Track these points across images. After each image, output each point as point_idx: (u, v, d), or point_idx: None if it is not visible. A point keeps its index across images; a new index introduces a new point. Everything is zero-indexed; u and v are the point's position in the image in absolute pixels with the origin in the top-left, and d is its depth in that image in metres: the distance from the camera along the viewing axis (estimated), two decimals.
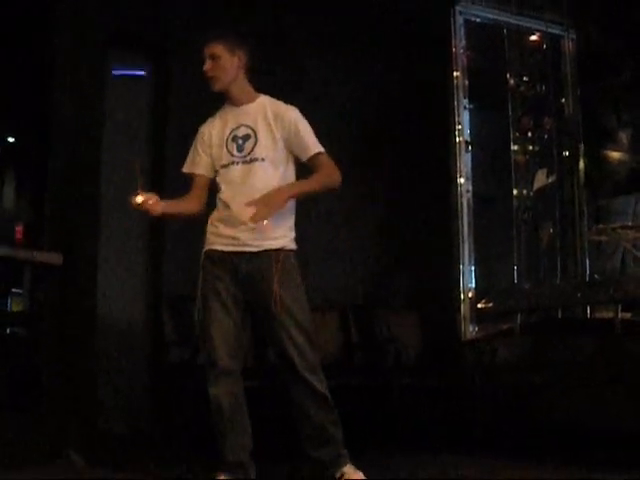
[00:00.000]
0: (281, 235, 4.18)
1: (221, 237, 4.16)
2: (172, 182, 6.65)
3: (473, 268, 7.29)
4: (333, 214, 7.32)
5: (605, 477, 4.51)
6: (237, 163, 4.17)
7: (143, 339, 6.59)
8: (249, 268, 4.12)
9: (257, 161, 4.16)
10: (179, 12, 6.75)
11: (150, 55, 6.90)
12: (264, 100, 4.32)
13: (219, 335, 4.08)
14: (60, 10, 5.78)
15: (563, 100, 7.96)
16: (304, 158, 4.28)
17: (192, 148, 4.34)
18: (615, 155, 8.01)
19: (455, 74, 7.44)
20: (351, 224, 7.51)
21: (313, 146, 4.28)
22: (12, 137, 6.49)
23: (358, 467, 4.10)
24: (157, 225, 6.64)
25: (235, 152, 4.19)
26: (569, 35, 7.97)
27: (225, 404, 4.05)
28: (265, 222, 4.05)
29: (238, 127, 4.23)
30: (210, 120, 4.37)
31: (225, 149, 4.21)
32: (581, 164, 7.88)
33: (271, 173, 4.18)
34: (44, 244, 5.70)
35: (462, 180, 7.34)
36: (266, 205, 4.03)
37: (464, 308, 7.21)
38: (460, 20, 7.52)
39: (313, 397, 4.11)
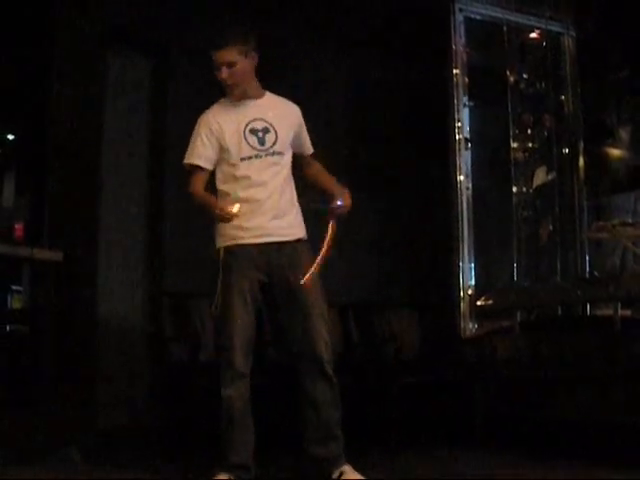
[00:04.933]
0: (300, 224, 4.27)
1: (247, 230, 4.11)
2: (171, 178, 6.68)
3: (473, 265, 7.30)
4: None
5: (605, 474, 4.51)
6: (261, 156, 4.16)
7: (143, 336, 6.59)
8: (278, 258, 4.14)
9: (279, 155, 4.20)
10: (177, 9, 6.74)
11: (149, 52, 6.89)
12: (271, 95, 4.35)
13: (239, 335, 4.05)
14: (59, 7, 5.78)
15: (563, 97, 7.97)
16: (306, 153, 4.41)
17: (196, 139, 4.21)
18: (615, 152, 8.00)
19: (455, 71, 7.45)
20: (350, 222, 7.48)
21: (310, 144, 4.43)
22: (11, 135, 6.47)
23: (357, 466, 4.11)
24: (156, 223, 6.65)
25: (257, 145, 4.16)
26: (569, 32, 7.97)
27: (237, 406, 4.04)
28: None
29: (254, 120, 4.20)
30: (214, 111, 4.27)
31: (244, 141, 4.16)
32: (581, 161, 7.89)
33: (288, 166, 4.27)
34: (44, 242, 5.70)
35: (462, 177, 7.35)
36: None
37: (464, 305, 7.22)
38: (460, 17, 7.53)
39: (330, 392, 4.13)
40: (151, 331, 6.50)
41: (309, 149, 4.43)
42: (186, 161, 4.21)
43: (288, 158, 4.27)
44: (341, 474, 4.06)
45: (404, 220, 7.71)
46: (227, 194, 4.17)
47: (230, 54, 4.15)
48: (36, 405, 5.33)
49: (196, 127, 4.24)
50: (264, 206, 4.13)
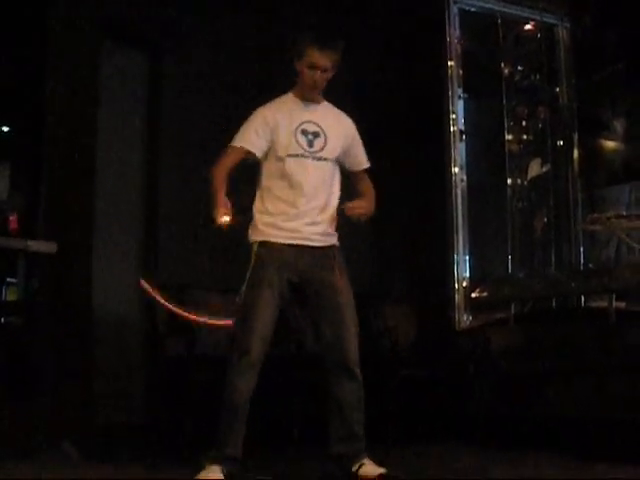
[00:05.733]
0: (334, 233, 4.31)
1: (282, 230, 4.16)
2: (167, 172, 6.68)
3: (467, 257, 7.30)
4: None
5: (600, 467, 4.52)
6: (307, 157, 4.20)
7: (138, 330, 6.58)
8: (309, 261, 4.19)
9: (326, 160, 4.25)
10: (172, 4, 6.72)
11: (144, 48, 6.88)
12: (328, 105, 4.41)
13: (262, 327, 4.08)
14: (55, 4, 5.77)
15: (557, 89, 7.95)
16: (355, 169, 4.47)
17: (249, 126, 4.22)
18: (609, 144, 8.00)
19: (449, 63, 7.44)
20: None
21: (366, 160, 4.52)
22: (6, 126, 6.47)
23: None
24: (152, 216, 6.64)
25: (305, 146, 4.20)
26: (563, 24, 7.96)
27: (245, 397, 4.07)
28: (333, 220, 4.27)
29: (307, 122, 4.25)
30: (273, 105, 4.31)
31: (294, 139, 4.20)
32: (575, 153, 7.88)
33: (334, 174, 4.31)
34: (38, 233, 5.70)
35: (456, 169, 7.35)
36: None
37: (459, 298, 7.22)
38: (454, 9, 7.51)
39: (356, 393, 4.21)
40: (146, 325, 6.48)
41: (361, 164, 4.49)
42: (234, 144, 4.22)
43: (334, 166, 4.31)
44: (360, 466, 4.12)
45: (399, 213, 7.70)
46: (269, 190, 4.23)
47: (329, 59, 4.19)
48: (33, 400, 5.32)
49: (252, 116, 4.26)
50: (303, 209, 4.18)
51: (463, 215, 7.32)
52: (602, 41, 7.62)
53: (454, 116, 7.41)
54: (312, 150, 4.21)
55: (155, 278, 6.53)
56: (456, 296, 7.22)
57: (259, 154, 4.20)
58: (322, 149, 4.23)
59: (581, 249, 7.71)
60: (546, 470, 4.68)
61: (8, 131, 6.48)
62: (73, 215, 5.86)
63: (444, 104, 7.44)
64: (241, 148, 4.19)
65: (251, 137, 4.20)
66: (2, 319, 6.37)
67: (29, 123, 5.99)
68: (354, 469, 4.12)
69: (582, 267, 7.59)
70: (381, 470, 4.12)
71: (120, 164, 6.63)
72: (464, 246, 7.29)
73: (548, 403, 5.81)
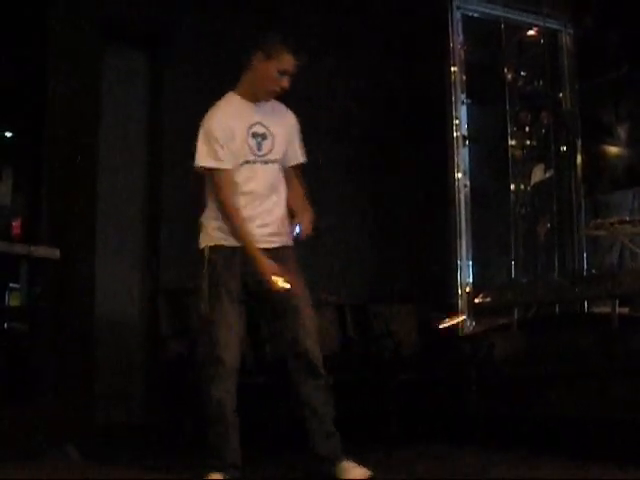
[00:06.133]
0: (286, 232, 4.21)
1: (230, 234, 4.08)
2: (169, 175, 6.67)
3: (470, 263, 7.29)
4: (330, 210, 7.31)
5: (604, 471, 4.51)
6: (257, 162, 4.11)
7: (140, 333, 6.58)
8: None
9: (274, 163, 4.17)
10: (173, 2, 6.73)
11: (145, 47, 6.88)
12: (273, 102, 4.25)
13: (230, 333, 4.03)
14: (55, 4, 5.78)
15: (561, 95, 7.96)
16: (291, 163, 4.32)
17: (211, 141, 4.04)
18: (613, 150, 8.00)
19: (452, 69, 7.44)
20: (348, 219, 7.50)
21: (302, 155, 4.35)
22: (9, 132, 6.47)
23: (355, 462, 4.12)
24: (154, 219, 6.64)
25: (255, 150, 4.11)
26: (567, 29, 7.96)
27: (229, 405, 4.02)
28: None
29: (256, 124, 4.14)
30: (221, 110, 4.15)
31: (246, 144, 4.10)
32: (579, 159, 7.88)
33: (280, 174, 4.22)
34: (41, 239, 5.70)
35: (460, 175, 7.34)
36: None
37: (461, 303, 7.21)
38: (457, 15, 7.52)
39: (322, 390, 4.14)
40: (148, 328, 6.49)
41: (297, 159, 4.33)
42: (206, 165, 4.07)
43: (280, 166, 4.22)
44: (342, 467, 4.07)
45: (402, 217, 7.70)
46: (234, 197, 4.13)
47: (296, 68, 4.12)
48: (34, 403, 5.33)
49: (207, 127, 4.11)
50: (252, 213, 4.10)
51: (466, 220, 7.32)
52: (605, 47, 7.63)
53: (457, 121, 7.41)
54: (261, 154, 4.11)
55: (157, 283, 6.54)
56: (459, 301, 7.21)
57: (232, 167, 4.08)
58: (270, 152, 4.13)
59: (584, 254, 7.71)
60: (546, 471, 4.66)
61: (11, 136, 6.48)
62: (76, 221, 5.86)
63: (447, 109, 7.44)
64: (226, 170, 4.05)
65: (221, 152, 4.05)
66: (5, 324, 6.37)
67: (31, 128, 6.00)
68: (337, 470, 4.08)
69: (585, 272, 7.59)
70: (364, 471, 4.08)
71: (122, 166, 6.63)
72: (467, 251, 7.28)
73: (549, 406, 5.79)
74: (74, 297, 5.80)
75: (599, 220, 7.40)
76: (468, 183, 7.39)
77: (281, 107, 4.31)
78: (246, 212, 4.08)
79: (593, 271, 7.54)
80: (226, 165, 4.05)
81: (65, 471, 4.62)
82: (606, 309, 6.12)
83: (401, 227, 7.69)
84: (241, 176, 4.09)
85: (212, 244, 4.12)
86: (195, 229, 6.61)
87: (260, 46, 4.09)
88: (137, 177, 6.77)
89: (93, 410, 5.69)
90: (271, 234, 4.15)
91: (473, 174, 7.44)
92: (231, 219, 4.06)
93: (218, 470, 3.99)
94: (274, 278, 3.97)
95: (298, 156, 4.33)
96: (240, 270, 4.09)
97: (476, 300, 7.20)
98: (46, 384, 5.43)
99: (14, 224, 6.14)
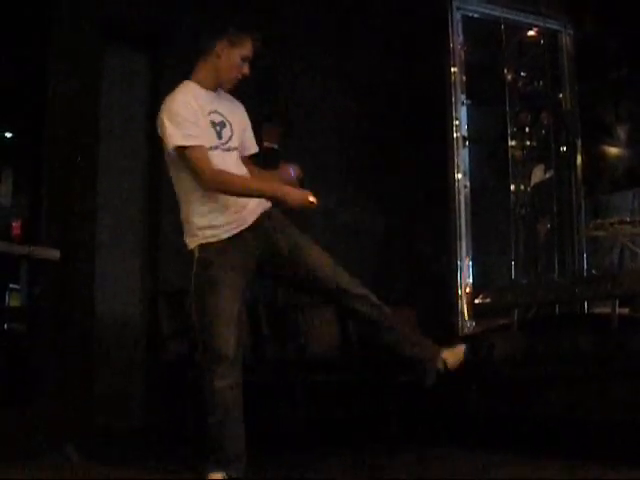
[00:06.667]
0: (260, 202, 4.11)
1: (218, 228, 4.04)
2: (169, 175, 6.67)
3: (470, 263, 7.30)
4: (329, 210, 7.32)
5: (603, 472, 4.51)
6: (220, 149, 4.05)
7: (140, 333, 6.59)
8: (255, 240, 4.07)
9: (234, 151, 4.13)
10: (173, 3, 6.74)
11: (145, 47, 6.88)
12: (221, 91, 4.20)
13: (230, 325, 3.98)
14: (55, 5, 5.78)
15: (561, 95, 7.96)
16: (249, 152, 4.31)
17: (180, 121, 3.93)
18: (613, 150, 8.01)
19: (452, 70, 7.45)
20: (347, 220, 7.51)
21: (254, 145, 4.34)
22: (9, 132, 6.48)
23: (355, 464, 4.12)
24: (154, 220, 6.64)
25: (215, 138, 4.05)
26: (567, 30, 7.97)
27: (230, 398, 3.97)
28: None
29: (213, 112, 4.08)
30: (182, 94, 4.06)
31: (209, 131, 4.03)
32: (579, 159, 7.88)
33: (240, 162, 4.18)
34: (41, 239, 5.70)
35: (460, 175, 7.35)
36: None
37: (461, 303, 7.22)
38: (457, 15, 7.52)
39: (378, 309, 4.21)
40: (148, 328, 6.49)
41: (250, 149, 4.32)
42: (182, 143, 3.93)
43: (238, 154, 4.19)
44: (443, 357, 4.16)
45: (402, 218, 7.71)
46: (193, 193, 4.04)
47: (252, 50, 4.09)
48: (34, 403, 5.33)
49: (172, 110, 3.99)
50: (226, 202, 4.03)
51: (466, 221, 7.32)
52: (605, 47, 7.63)
53: (457, 122, 7.41)
54: (222, 142, 4.06)
55: (157, 283, 6.55)
56: (459, 302, 7.21)
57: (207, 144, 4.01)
58: (230, 139, 4.09)
59: (584, 255, 7.71)
60: (546, 471, 4.68)
61: (11, 137, 6.48)
62: (75, 220, 5.87)
63: (447, 110, 7.44)
64: (203, 146, 3.96)
65: (194, 129, 3.96)
66: (5, 325, 6.37)
67: (31, 128, 6.00)
68: (441, 361, 4.15)
69: (585, 273, 7.58)
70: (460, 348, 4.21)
71: (122, 166, 6.63)
72: (467, 252, 7.29)
73: (549, 406, 5.79)
74: (74, 298, 5.80)
75: (599, 221, 7.41)
76: (468, 184, 7.39)
77: (231, 97, 4.25)
78: (220, 201, 4.02)
79: (593, 272, 7.54)
80: (203, 142, 3.97)
81: (65, 471, 4.62)
82: (606, 310, 6.12)
83: (401, 227, 7.69)
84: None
85: (201, 242, 4.05)
86: None
87: (224, 34, 4.08)
88: (137, 177, 6.77)
89: (93, 410, 5.69)
90: (249, 212, 4.08)
91: (473, 175, 7.44)
92: (230, 184, 4.01)
93: (219, 466, 3.95)
94: (308, 197, 3.94)
95: (253, 145, 4.32)
96: (240, 260, 4.05)
97: (476, 301, 7.20)
98: (46, 385, 5.43)
99: (14, 224, 6.13)
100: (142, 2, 6.62)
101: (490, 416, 5.96)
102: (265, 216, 4.13)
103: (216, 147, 4.03)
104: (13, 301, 6.48)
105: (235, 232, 4.05)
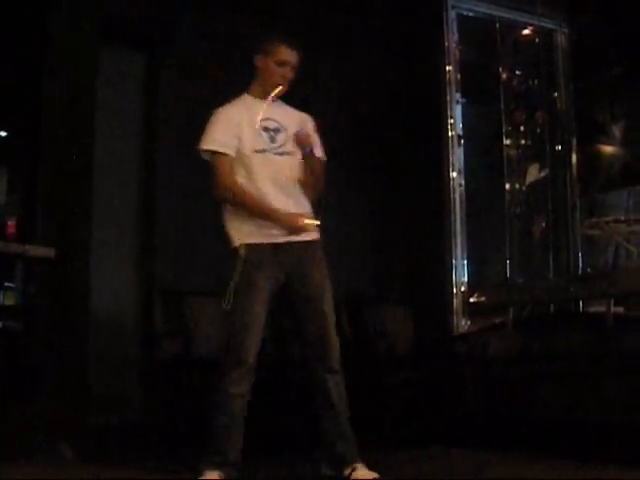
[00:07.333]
0: (315, 227, 4.29)
1: (263, 229, 4.15)
2: (164, 174, 6.67)
3: (465, 262, 7.30)
4: (324, 209, 7.30)
5: (598, 471, 4.51)
6: (271, 152, 4.21)
7: (135, 332, 6.58)
8: (291, 257, 4.18)
9: (289, 155, 4.24)
10: (170, 3, 6.72)
11: (142, 48, 6.87)
12: (283, 103, 4.42)
13: (255, 334, 4.08)
14: (53, 5, 5.77)
15: (556, 94, 7.98)
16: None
17: (215, 127, 4.24)
18: (608, 149, 8.02)
19: (447, 68, 7.45)
20: (342, 219, 7.50)
21: (322, 155, 4.45)
22: (4, 131, 6.47)
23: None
24: (149, 219, 6.64)
25: (268, 141, 4.22)
26: (562, 29, 7.98)
27: (241, 405, 4.06)
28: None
29: (267, 119, 4.26)
30: (233, 105, 4.33)
31: (259, 136, 4.21)
32: (574, 158, 7.90)
33: (297, 168, 4.27)
34: (36, 238, 5.69)
35: (454, 174, 7.35)
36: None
37: (456, 302, 7.22)
38: (452, 14, 7.53)
39: (339, 389, 4.20)
40: (144, 327, 6.49)
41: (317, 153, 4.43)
42: (208, 147, 4.22)
43: (297, 160, 4.28)
44: (353, 469, 4.11)
45: (397, 217, 7.71)
46: (250, 187, 4.19)
47: (297, 59, 4.30)
48: (29, 402, 5.32)
49: (215, 117, 4.28)
50: (277, 206, 4.15)
51: (461, 219, 7.32)
52: (600, 46, 7.64)
53: (452, 121, 7.42)
54: (275, 145, 4.22)
55: (152, 282, 6.54)
56: (454, 301, 7.22)
57: (232, 153, 4.19)
58: (284, 144, 4.24)
59: (579, 254, 7.73)
60: (542, 471, 4.67)
61: (5, 135, 6.47)
62: (70, 218, 5.85)
63: (442, 109, 7.44)
64: (223, 153, 4.19)
65: (223, 138, 4.20)
66: (0, 323, 6.37)
67: (26, 127, 5.99)
68: (347, 472, 4.11)
69: (580, 272, 7.60)
70: (374, 475, 4.10)
71: (118, 165, 6.61)
72: (462, 251, 7.29)
73: (543, 405, 5.80)
74: (69, 296, 5.78)
75: (594, 219, 7.43)
76: (463, 182, 7.39)
77: (291, 108, 4.45)
78: (272, 206, 4.15)
79: (588, 270, 7.55)
80: (227, 150, 4.18)
81: (61, 471, 4.61)
82: (601, 308, 6.13)
83: (396, 227, 7.69)
84: (255, 165, 4.18)
85: (247, 242, 4.16)
86: (191, 228, 6.65)
87: (260, 46, 4.30)
88: (133, 177, 6.76)
89: (89, 409, 5.68)
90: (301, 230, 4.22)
91: (468, 173, 7.44)
92: (240, 197, 4.17)
93: (216, 466, 3.99)
94: (299, 221, 4.10)
95: (317, 151, 4.41)
96: (274, 267, 4.15)
97: (471, 299, 7.21)
98: (42, 384, 5.41)
99: (9, 223, 6.14)
100: (141, 2, 6.60)
101: (485, 415, 5.97)
102: (312, 245, 4.27)
103: (264, 150, 4.21)
104: (8, 300, 6.48)
105: (281, 241, 4.17)
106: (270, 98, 4.29)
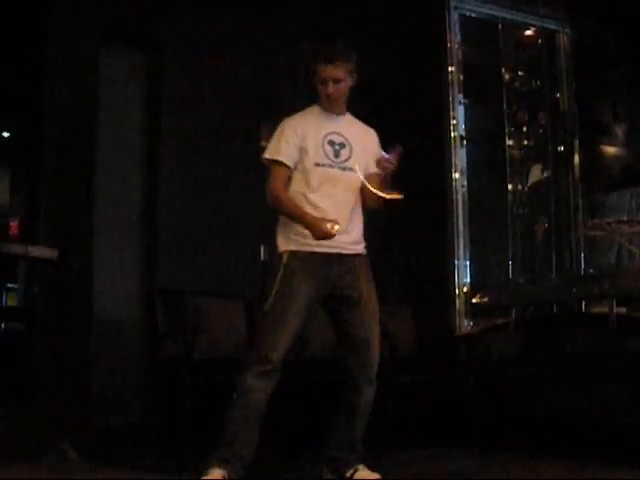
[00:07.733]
0: (362, 241, 4.40)
1: (309, 238, 4.15)
2: (167, 175, 6.67)
3: (468, 263, 7.30)
4: None
5: (600, 473, 4.51)
6: (334, 167, 4.24)
7: (137, 333, 6.57)
8: (339, 269, 4.22)
9: (351, 170, 4.26)
10: (172, 4, 6.73)
11: (144, 48, 6.87)
12: (351, 116, 4.47)
13: (286, 336, 4.11)
14: (54, 5, 5.77)
15: (558, 95, 7.98)
16: (368, 171, 4.40)
17: (280, 137, 4.28)
18: (610, 150, 8.02)
19: (450, 69, 7.46)
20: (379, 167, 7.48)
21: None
22: (7, 132, 6.48)
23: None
24: (151, 220, 6.64)
25: (332, 156, 4.25)
26: (564, 30, 7.99)
27: (258, 402, 4.07)
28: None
29: (332, 133, 4.30)
30: (300, 116, 4.37)
31: (321, 149, 4.25)
32: (576, 159, 7.90)
33: (359, 184, 4.31)
34: (39, 239, 5.69)
35: (457, 175, 7.35)
36: None
37: (459, 303, 7.22)
38: (455, 15, 7.54)
39: (369, 400, 4.28)
40: (146, 328, 6.48)
41: (371, 168, 4.40)
42: (268, 156, 4.28)
43: (359, 177, 4.29)
44: (355, 471, 4.17)
45: (399, 217, 7.69)
46: (298, 195, 4.24)
47: (339, 71, 4.26)
48: (31, 403, 5.32)
49: (280, 127, 4.32)
50: (330, 217, 4.15)
51: (464, 220, 7.33)
52: (602, 46, 7.63)
53: (454, 121, 7.43)
54: (339, 160, 4.26)
55: (155, 283, 6.54)
56: (456, 301, 7.22)
57: (291, 164, 4.24)
58: (348, 159, 4.28)
59: (582, 255, 7.73)
60: (544, 471, 4.67)
61: (8, 136, 6.48)
62: (73, 219, 5.85)
63: (445, 110, 7.45)
64: (281, 163, 4.24)
65: (285, 148, 4.24)
66: (2, 324, 6.38)
67: (29, 127, 6.00)
68: (348, 474, 4.16)
69: (583, 272, 7.59)
70: (375, 476, 4.15)
71: (120, 166, 6.61)
72: (464, 251, 7.30)
73: (546, 406, 5.79)
74: (72, 297, 5.78)
75: (596, 220, 7.43)
76: (465, 183, 7.40)
77: (362, 124, 4.51)
78: (321, 214, 4.17)
79: (591, 271, 7.55)
80: (283, 159, 4.23)
81: (63, 471, 4.61)
82: (604, 309, 6.13)
83: (398, 227, 7.68)
84: (316, 177, 4.23)
85: (292, 249, 4.20)
86: (193, 229, 6.64)
87: (311, 69, 4.36)
88: (135, 177, 6.75)
89: (90, 410, 5.68)
90: (350, 242, 4.28)
91: (470, 174, 7.45)
92: (282, 204, 4.22)
93: (221, 462, 3.98)
94: (329, 227, 4.06)
95: (373, 167, 4.41)
96: (318, 277, 4.19)
97: (473, 300, 7.22)
98: (43, 384, 5.42)
99: (11, 224, 6.14)
100: (141, 2, 6.60)
101: (487, 415, 5.96)
102: (360, 257, 4.34)
103: (324, 164, 4.25)
104: (10, 300, 6.49)
105: (327, 251, 4.20)
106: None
